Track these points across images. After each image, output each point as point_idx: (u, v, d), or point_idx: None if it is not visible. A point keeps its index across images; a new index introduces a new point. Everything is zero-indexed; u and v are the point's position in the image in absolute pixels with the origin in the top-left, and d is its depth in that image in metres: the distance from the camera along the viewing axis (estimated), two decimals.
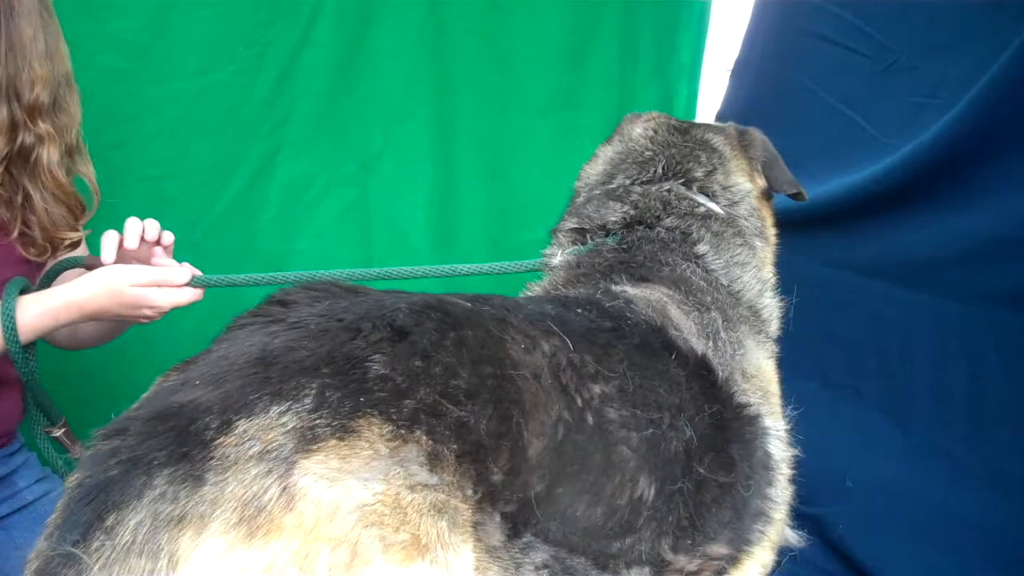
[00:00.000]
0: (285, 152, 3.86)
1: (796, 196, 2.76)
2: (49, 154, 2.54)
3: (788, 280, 2.67)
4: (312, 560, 1.40)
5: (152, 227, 2.60)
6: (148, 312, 2.52)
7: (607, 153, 2.81)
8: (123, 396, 1.71)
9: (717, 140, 2.76)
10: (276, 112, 3.81)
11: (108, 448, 1.49)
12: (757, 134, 2.83)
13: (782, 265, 2.73)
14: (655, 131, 2.78)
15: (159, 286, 2.51)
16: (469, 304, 1.89)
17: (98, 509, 1.42)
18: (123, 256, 2.57)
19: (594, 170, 2.79)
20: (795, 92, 4.16)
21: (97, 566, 1.38)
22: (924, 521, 3.62)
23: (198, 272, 2.60)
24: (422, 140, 4.14)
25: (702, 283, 2.38)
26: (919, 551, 3.62)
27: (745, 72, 4.55)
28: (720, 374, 2.15)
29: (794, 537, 2.40)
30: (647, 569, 1.93)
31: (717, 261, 2.49)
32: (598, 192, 2.69)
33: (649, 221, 2.53)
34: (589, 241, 2.57)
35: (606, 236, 2.55)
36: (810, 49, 4.12)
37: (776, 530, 2.22)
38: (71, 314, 2.45)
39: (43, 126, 2.52)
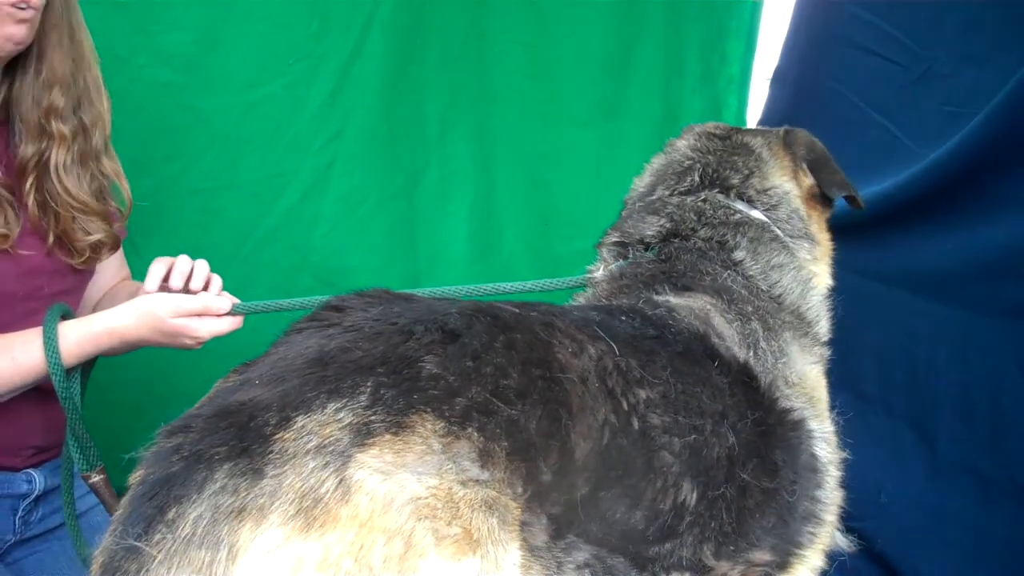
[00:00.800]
0: (339, 166, 3.89)
1: (850, 201, 2.74)
2: (69, 157, 2.58)
3: None
4: (367, 551, 1.43)
5: (201, 270, 2.63)
6: (188, 342, 2.54)
7: (654, 165, 2.83)
8: (174, 403, 1.76)
9: (756, 142, 2.76)
10: (330, 125, 3.84)
11: (171, 445, 1.53)
12: (803, 133, 2.81)
13: None
14: (696, 139, 2.80)
15: (200, 316, 2.53)
16: (517, 309, 1.92)
17: (160, 504, 1.46)
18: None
19: (641, 183, 2.82)
20: (831, 100, 4.16)
21: (159, 558, 1.42)
22: (956, 538, 3.60)
23: (237, 300, 2.61)
24: (465, 151, 4.17)
25: (743, 291, 2.39)
26: (953, 568, 3.61)
27: (784, 81, 4.54)
28: (763, 380, 2.17)
29: (844, 541, 2.40)
30: (688, 575, 1.94)
31: (755, 267, 2.49)
32: (640, 205, 2.72)
33: (684, 233, 2.55)
34: (631, 255, 2.59)
35: (645, 250, 2.57)
36: (846, 57, 4.11)
37: (826, 532, 2.22)
38: (112, 341, 2.48)
39: (66, 129, 2.56)
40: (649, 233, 2.59)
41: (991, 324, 3.45)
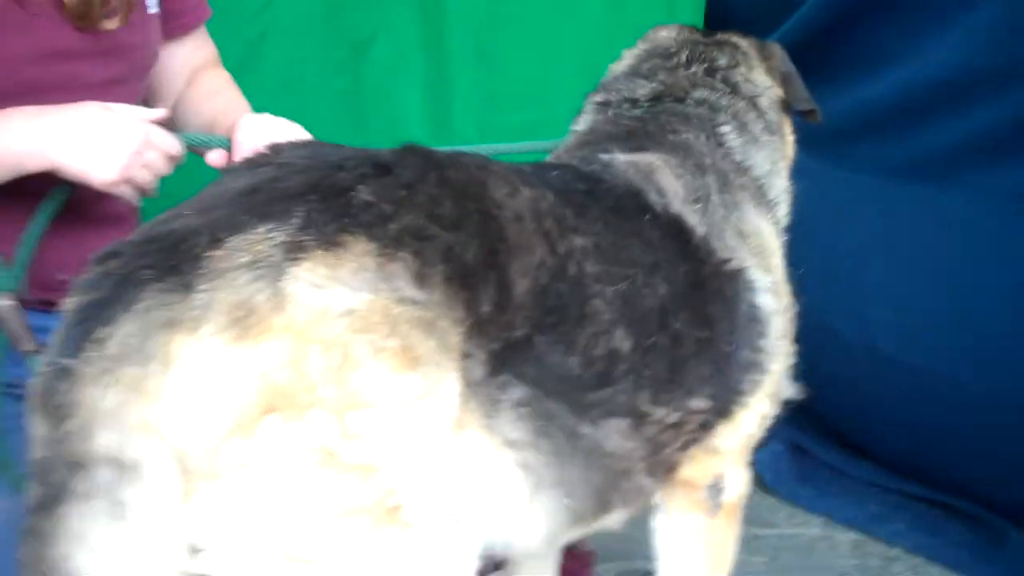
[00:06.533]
0: (272, 39, 3.92)
1: (810, 115, 2.91)
2: None
3: None
4: (304, 362, 1.56)
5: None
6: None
7: (635, 51, 2.92)
8: None
9: (741, 42, 2.89)
10: None
11: (101, 271, 1.65)
12: (777, 47, 2.95)
13: None
14: (679, 31, 2.91)
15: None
16: (448, 152, 2.06)
17: (89, 327, 1.57)
18: None
19: (619, 66, 2.90)
20: None
21: (89, 377, 1.53)
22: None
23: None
24: (413, 20, 4.18)
25: (703, 148, 2.52)
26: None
27: None
28: (697, 233, 2.30)
29: (793, 389, 2.54)
30: (626, 420, 2.08)
31: (736, 140, 2.63)
32: (623, 76, 2.82)
33: (678, 95, 2.68)
34: (611, 112, 2.70)
35: (633, 108, 2.69)
36: None
37: (772, 381, 2.39)
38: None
39: None
40: (641, 92, 2.70)
41: (869, 182, 3.71)
